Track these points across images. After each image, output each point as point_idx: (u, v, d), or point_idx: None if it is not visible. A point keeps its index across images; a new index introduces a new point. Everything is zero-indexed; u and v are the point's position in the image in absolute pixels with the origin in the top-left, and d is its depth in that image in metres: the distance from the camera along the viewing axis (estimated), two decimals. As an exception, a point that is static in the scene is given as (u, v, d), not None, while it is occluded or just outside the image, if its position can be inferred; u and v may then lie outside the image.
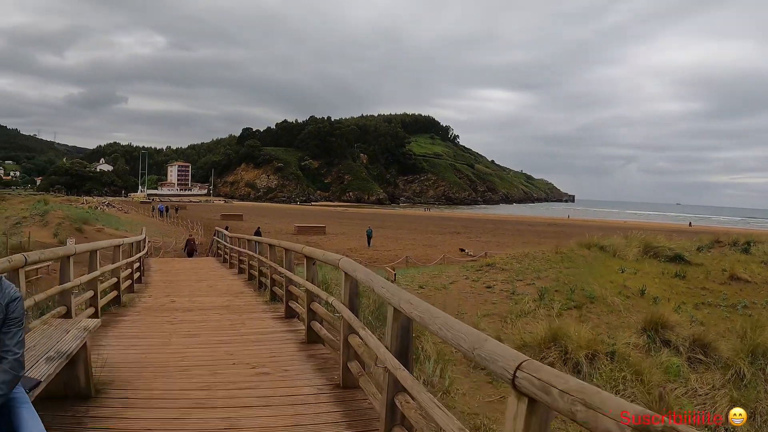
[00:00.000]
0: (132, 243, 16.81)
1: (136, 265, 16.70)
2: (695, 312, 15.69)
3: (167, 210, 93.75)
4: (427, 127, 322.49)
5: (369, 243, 48.55)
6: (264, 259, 14.35)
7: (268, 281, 13.66)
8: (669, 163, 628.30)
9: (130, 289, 14.78)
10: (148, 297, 14.14)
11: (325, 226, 63.14)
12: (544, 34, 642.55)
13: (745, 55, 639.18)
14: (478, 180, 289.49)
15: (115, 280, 12.47)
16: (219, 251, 29.23)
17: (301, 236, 54.84)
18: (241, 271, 19.94)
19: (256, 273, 16.24)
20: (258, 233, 44.64)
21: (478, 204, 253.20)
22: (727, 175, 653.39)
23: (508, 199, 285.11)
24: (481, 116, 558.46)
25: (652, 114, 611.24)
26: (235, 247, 21.89)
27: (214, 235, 34.71)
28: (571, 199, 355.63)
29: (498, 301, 15.37)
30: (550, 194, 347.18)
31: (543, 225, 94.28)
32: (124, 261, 13.91)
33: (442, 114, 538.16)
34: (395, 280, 13.60)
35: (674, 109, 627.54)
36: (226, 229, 46.02)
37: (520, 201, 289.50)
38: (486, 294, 16.10)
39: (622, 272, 19.06)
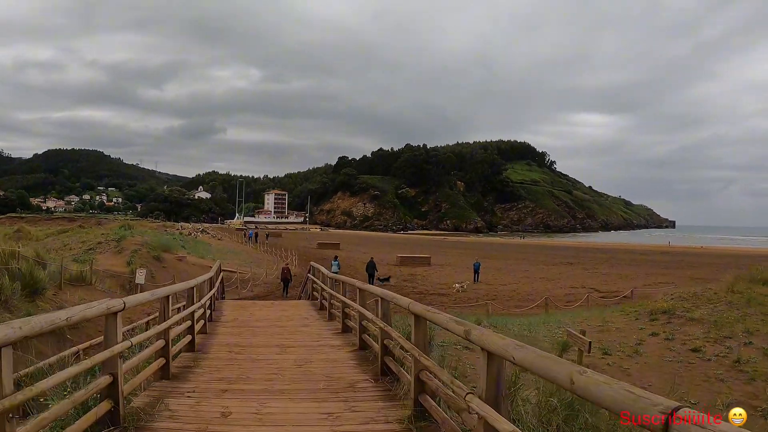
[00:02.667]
0: (196, 286, 12.04)
1: (192, 319, 11.35)
2: None
3: (257, 236, 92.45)
4: (524, 153, 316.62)
5: (476, 278, 44.15)
6: (398, 337, 7.80)
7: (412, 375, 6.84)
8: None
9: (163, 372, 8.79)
10: (187, 396, 7.63)
11: (429, 257, 59.73)
12: (638, 52, 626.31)
13: None
14: (577, 207, 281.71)
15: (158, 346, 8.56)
16: (315, 293, 21.78)
17: (404, 267, 52.30)
18: (347, 329, 13.16)
19: (378, 346, 9.16)
20: (372, 265, 41.54)
21: (577, 231, 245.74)
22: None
23: (607, 226, 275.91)
24: (577, 141, 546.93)
25: (753, 132, 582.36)
26: (340, 296, 14.14)
27: (309, 272, 25.30)
28: (671, 224, 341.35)
29: (728, 378, 11.60)
30: (650, 220, 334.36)
31: (656, 254, 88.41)
32: (172, 320, 9.13)
33: (537, 140, 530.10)
34: (589, 350, 10.12)
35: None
36: (335, 261, 41.89)
37: (619, 228, 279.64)
38: (699, 363, 12.46)
39: None
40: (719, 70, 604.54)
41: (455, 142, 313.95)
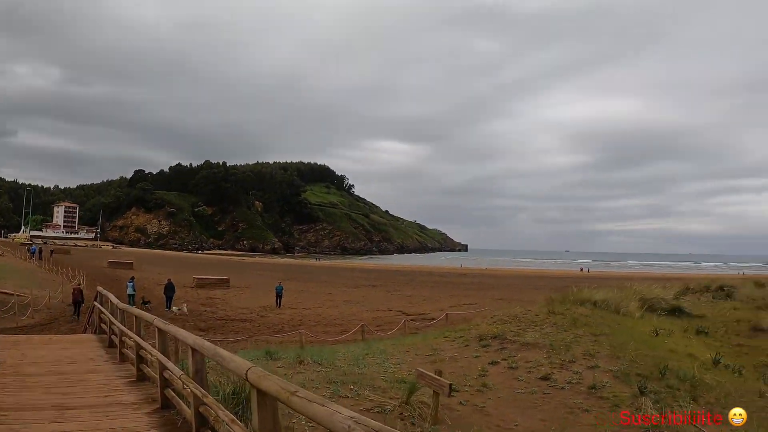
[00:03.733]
0: None
1: None
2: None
3: (40, 252, 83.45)
4: (323, 176, 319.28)
5: (278, 303, 40.52)
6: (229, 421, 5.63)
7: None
8: (558, 212, 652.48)
9: None
10: None
11: (228, 279, 56.41)
12: (442, 87, 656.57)
13: (633, 112, 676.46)
14: (374, 230, 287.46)
15: None
16: (103, 325, 17.26)
17: (202, 290, 48.49)
18: (144, 377, 10.35)
19: (191, 412, 6.81)
20: (171, 287, 37.40)
21: (374, 254, 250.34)
22: (613, 222, 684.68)
23: (402, 249, 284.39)
24: (377, 167, 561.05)
25: (542, 166, 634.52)
26: (134, 336, 11.13)
27: (95, 299, 20.14)
28: (464, 248, 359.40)
29: (591, 407, 10.12)
30: (444, 243, 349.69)
31: (454, 275, 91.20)
32: None
33: (338, 164, 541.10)
34: (450, 393, 8.38)
35: (563, 161, 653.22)
36: (131, 282, 38.02)
37: (415, 251, 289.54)
38: (554, 393, 10.86)
39: (657, 335, 15.96)
40: (515, 110, 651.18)
41: (255, 161, 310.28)
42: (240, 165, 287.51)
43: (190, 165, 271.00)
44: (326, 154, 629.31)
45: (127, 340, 11.87)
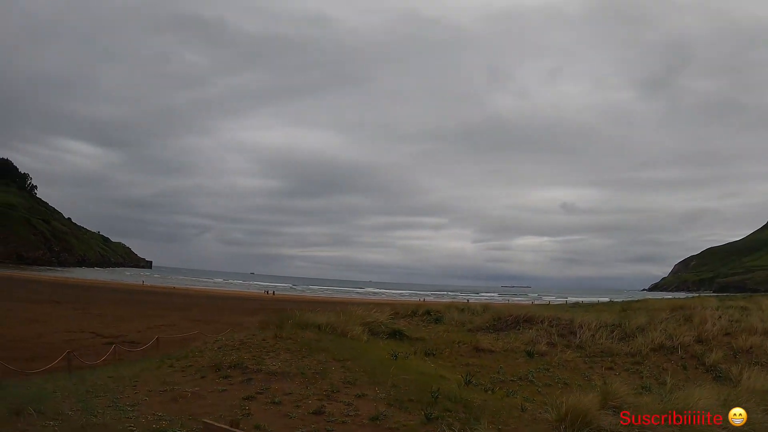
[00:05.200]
0: None
1: None
2: (535, 396, 14.03)
3: None
4: (4, 172, 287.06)
5: None
6: None
7: None
8: (245, 234, 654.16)
9: None
10: None
11: None
12: (141, 93, 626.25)
13: (324, 145, 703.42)
14: (54, 239, 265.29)
15: None
16: None
17: None
18: None
19: None
20: None
21: (53, 265, 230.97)
22: (298, 248, 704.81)
23: (84, 262, 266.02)
24: (62, 168, 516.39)
25: (231, 187, 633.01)
26: None
27: None
28: (148, 265, 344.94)
29: None
30: (128, 259, 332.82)
31: (143, 293, 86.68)
32: None
33: (20, 159, 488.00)
34: None
35: (254, 184, 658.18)
36: None
37: (97, 264, 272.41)
38: (340, 429, 9.86)
39: (395, 358, 16.12)
40: (211, 127, 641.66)
41: None
42: None
43: None
44: (7, 147, 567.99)
45: None
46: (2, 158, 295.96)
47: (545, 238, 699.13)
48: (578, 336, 21.32)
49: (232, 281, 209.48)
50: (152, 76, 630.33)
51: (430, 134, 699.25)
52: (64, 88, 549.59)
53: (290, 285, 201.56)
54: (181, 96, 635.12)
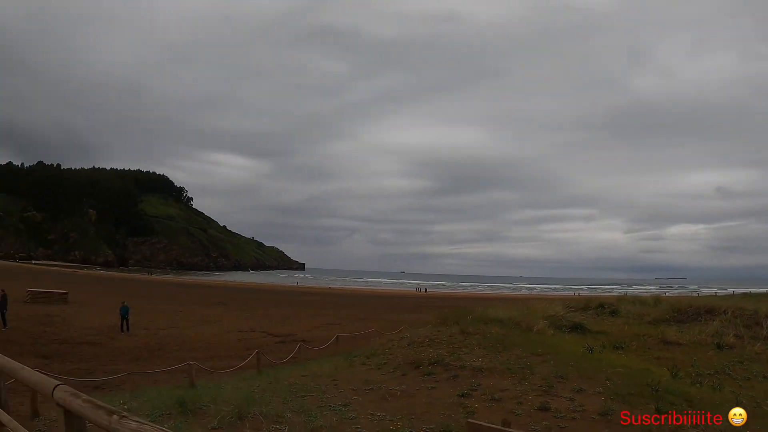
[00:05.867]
0: None
1: None
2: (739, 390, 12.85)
3: None
4: (162, 187, 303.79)
5: (124, 327, 34.09)
6: None
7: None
8: (394, 234, 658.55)
9: None
10: None
11: (67, 293, 50.25)
12: (285, 104, 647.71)
13: (471, 141, 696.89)
14: (211, 245, 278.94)
15: None
16: None
17: (37, 305, 42.81)
18: None
19: None
20: (3, 301, 32.37)
21: (211, 270, 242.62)
22: (447, 246, 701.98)
23: (240, 266, 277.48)
24: (215, 180, 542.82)
25: (378, 189, 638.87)
26: None
27: None
28: (301, 267, 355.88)
29: None
30: (281, 262, 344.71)
31: (302, 294, 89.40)
32: None
33: (176, 175, 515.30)
34: None
35: (400, 185, 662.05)
36: (2, 303, 33.44)
37: (253, 268, 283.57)
38: (573, 426, 9.23)
39: (591, 352, 15.63)
40: (355, 132, 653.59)
41: (92, 167, 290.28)
42: (75, 169, 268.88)
43: (22, 165, 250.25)
44: (164, 164, 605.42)
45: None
46: (160, 175, 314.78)
47: (700, 226, 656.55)
48: (765, 327, 20.02)
49: (381, 280, 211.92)
50: (294, 88, 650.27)
51: (572, 123, 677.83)
52: (213, 106, 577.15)
53: (444, 283, 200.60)
54: (323, 104, 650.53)
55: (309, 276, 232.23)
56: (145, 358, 25.68)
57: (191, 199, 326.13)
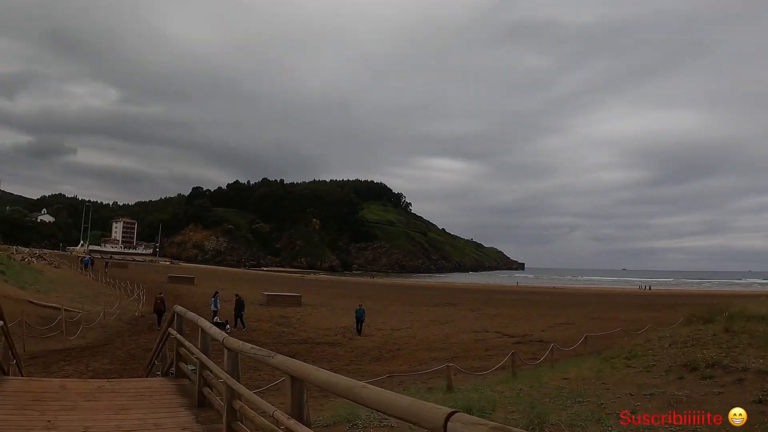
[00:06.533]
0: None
1: None
2: None
3: (92, 263, 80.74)
4: (380, 194, 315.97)
5: (359, 328, 34.23)
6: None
7: None
8: (614, 230, 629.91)
9: None
10: None
11: (300, 296, 52.95)
12: (492, 103, 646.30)
13: (688, 124, 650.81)
14: (431, 248, 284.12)
15: None
16: (183, 364, 10.83)
17: (273, 308, 45.68)
18: None
19: None
20: (241, 305, 33.95)
21: (431, 272, 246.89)
22: (670, 239, 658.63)
23: (460, 268, 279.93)
24: (431, 185, 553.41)
25: (595, 183, 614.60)
26: (263, 405, 5.84)
27: (169, 323, 12.07)
28: (521, 266, 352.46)
29: None
30: (501, 262, 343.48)
31: (527, 293, 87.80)
32: None
33: (392, 182, 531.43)
34: None
35: (616, 177, 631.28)
36: (215, 298, 34.88)
37: (472, 269, 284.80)
38: None
39: None
40: (566, 126, 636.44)
41: (312, 180, 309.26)
42: (297, 183, 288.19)
43: (248, 182, 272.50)
44: (381, 173, 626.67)
45: (245, 407, 6.61)
46: (378, 183, 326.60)
47: None
48: None
49: (602, 278, 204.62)
50: (500, 86, 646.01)
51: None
52: (422, 112, 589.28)
53: (669, 279, 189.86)
54: (531, 100, 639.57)
55: (530, 276, 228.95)
56: (386, 358, 26.10)
57: (410, 204, 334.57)
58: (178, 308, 11.36)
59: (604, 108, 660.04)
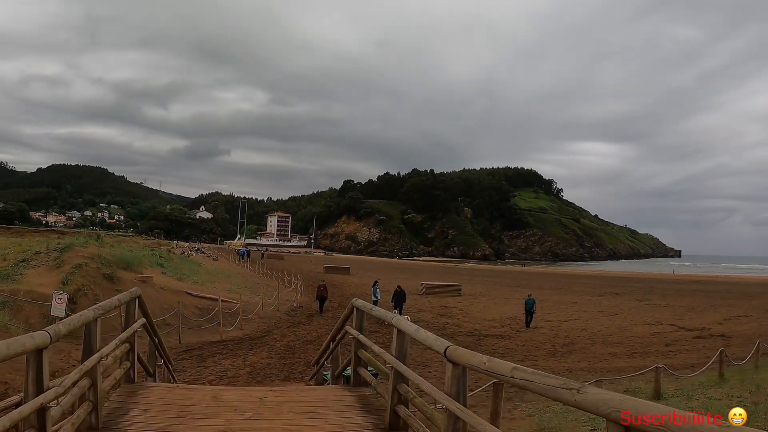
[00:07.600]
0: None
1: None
2: None
3: (248, 255, 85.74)
4: (530, 180, 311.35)
5: (529, 321, 32.58)
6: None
7: None
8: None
9: None
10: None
11: (460, 285, 53.32)
12: (640, 82, 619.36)
13: None
14: (585, 235, 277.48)
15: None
16: (358, 369, 9.53)
17: (432, 297, 46.18)
18: None
19: None
20: (401, 295, 33.36)
21: (585, 260, 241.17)
22: None
23: (615, 255, 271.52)
24: (581, 170, 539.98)
25: (755, 162, 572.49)
26: None
27: (346, 321, 10.51)
28: (677, 254, 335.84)
29: None
30: (656, 249, 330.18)
31: (690, 283, 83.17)
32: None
33: (542, 168, 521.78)
34: None
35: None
36: (375, 287, 35.72)
37: (627, 257, 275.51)
38: None
39: None
40: (720, 101, 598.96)
41: (461, 169, 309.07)
42: (447, 172, 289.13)
43: (398, 174, 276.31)
44: (530, 159, 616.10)
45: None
46: (528, 169, 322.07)
47: None
48: None
49: (763, 266, 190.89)
50: (646, 63, 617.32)
51: None
52: (567, 95, 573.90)
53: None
54: (682, 75, 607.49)
55: (687, 263, 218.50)
56: (561, 353, 25.15)
57: (561, 190, 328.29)
58: (359, 302, 9.80)
59: (759, 78, 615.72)
